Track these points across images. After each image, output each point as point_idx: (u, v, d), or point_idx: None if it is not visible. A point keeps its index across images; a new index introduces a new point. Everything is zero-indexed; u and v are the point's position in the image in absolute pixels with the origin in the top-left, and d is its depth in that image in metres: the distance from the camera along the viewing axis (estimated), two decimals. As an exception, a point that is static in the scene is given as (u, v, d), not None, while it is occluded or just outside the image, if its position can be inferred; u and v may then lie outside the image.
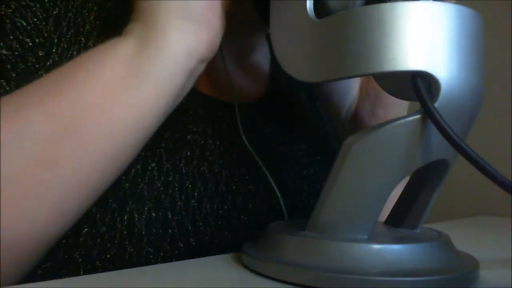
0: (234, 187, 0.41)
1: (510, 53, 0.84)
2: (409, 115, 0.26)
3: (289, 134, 0.49)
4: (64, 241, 0.34)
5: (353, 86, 0.48)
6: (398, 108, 0.45)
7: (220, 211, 0.39)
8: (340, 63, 0.27)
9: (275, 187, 0.42)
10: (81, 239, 0.34)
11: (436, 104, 0.25)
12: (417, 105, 0.26)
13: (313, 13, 0.29)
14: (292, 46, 0.30)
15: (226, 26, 0.35)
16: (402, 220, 0.32)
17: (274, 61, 0.53)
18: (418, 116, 0.26)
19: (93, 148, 0.31)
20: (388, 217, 0.34)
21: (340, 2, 0.30)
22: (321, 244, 0.27)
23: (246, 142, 0.42)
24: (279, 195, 0.43)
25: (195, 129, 0.41)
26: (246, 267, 0.30)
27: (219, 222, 0.39)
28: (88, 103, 0.31)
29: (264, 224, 0.34)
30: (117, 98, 0.31)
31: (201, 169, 0.39)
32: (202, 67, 0.35)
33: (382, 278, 0.24)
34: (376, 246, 0.26)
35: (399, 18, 0.25)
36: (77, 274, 0.33)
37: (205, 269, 0.30)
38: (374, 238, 0.27)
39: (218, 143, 0.41)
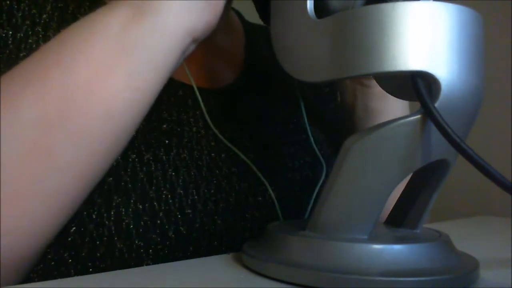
0: (217, 171, 0.40)
1: (510, 53, 0.84)
2: (409, 115, 0.26)
3: (264, 119, 0.48)
4: (52, 242, 0.32)
5: None
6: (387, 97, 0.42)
7: (207, 196, 0.38)
8: (340, 63, 0.27)
9: (255, 169, 0.41)
10: (69, 239, 0.33)
11: (436, 104, 0.25)
12: (417, 105, 0.26)
13: (313, 13, 0.29)
14: (292, 46, 0.30)
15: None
16: (402, 220, 0.32)
17: (248, 46, 0.52)
18: (418, 116, 0.26)
19: (88, 134, 0.29)
20: (388, 217, 0.34)
21: (341, 2, 0.30)
22: (321, 244, 0.27)
23: (214, 128, 0.41)
24: (261, 176, 0.42)
25: (169, 118, 0.40)
26: (246, 267, 0.30)
27: (208, 207, 0.38)
28: (79, 85, 0.28)
29: (253, 206, 0.33)
30: (109, 76, 0.29)
31: (182, 156, 0.38)
32: (193, 48, 0.33)
33: (382, 278, 0.24)
34: (376, 246, 0.26)
35: (399, 18, 0.25)
36: (68, 275, 0.33)
37: (205, 269, 0.30)
38: (374, 238, 0.27)
39: (194, 129, 0.40)
